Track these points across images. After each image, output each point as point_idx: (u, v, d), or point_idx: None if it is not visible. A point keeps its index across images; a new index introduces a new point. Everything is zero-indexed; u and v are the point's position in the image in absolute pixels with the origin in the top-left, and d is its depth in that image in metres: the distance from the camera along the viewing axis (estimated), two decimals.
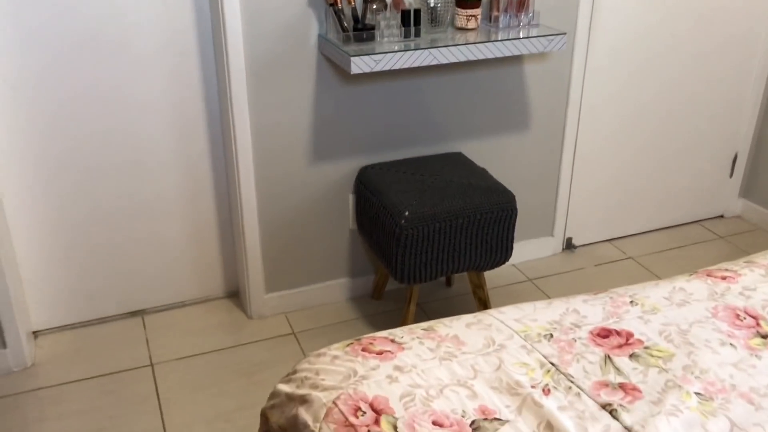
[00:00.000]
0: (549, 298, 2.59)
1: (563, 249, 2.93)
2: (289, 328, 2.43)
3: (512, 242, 2.25)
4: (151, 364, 2.25)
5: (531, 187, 2.73)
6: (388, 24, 2.13)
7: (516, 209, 2.20)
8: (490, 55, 2.14)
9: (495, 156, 2.61)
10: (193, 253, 2.49)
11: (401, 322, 2.33)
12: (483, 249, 2.21)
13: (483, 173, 2.32)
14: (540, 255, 2.88)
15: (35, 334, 2.37)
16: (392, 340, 1.31)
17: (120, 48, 2.13)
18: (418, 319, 2.45)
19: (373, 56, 1.99)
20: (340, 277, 2.58)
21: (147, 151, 2.29)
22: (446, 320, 1.39)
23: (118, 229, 2.36)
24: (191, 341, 2.36)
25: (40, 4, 2.01)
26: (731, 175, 3.13)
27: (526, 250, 2.81)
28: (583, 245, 2.97)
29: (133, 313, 2.49)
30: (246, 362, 2.26)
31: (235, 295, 2.61)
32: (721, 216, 3.21)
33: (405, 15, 2.12)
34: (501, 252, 2.25)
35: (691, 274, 1.55)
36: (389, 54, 2.01)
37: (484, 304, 2.39)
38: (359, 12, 2.12)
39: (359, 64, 1.98)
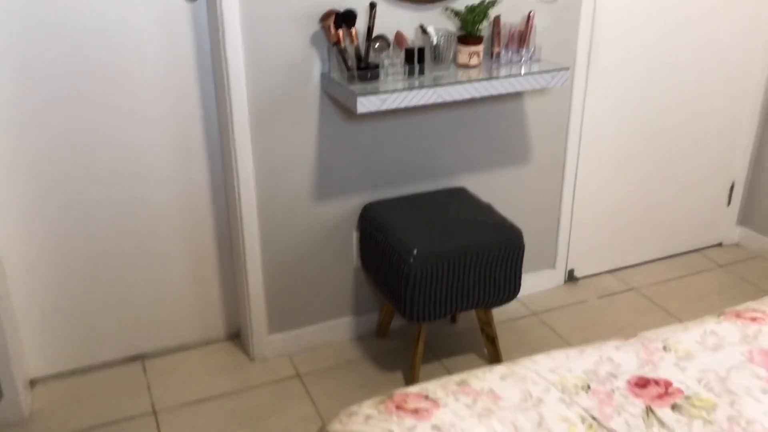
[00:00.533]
0: (555, 333, 2.57)
1: (565, 281, 2.91)
2: (294, 370, 2.38)
3: (520, 279, 2.23)
4: (154, 412, 2.19)
5: (533, 219, 2.72)
6: (392, 62, 2.12)
7: (524, 245, 2.19)
8: (494, 92, 2.13)
9: (497, 189, 2.60)
10: (193, 294, 2.44)
11: (411, 361, 2.29)
12: (491, 286, 2.19)
13: (488, 209, 2.31)
14: (542, 288, 2.86)
15: (32, 381, 2.30)
16: (426, 397, 1.27)
17: (119, 87, 2.10)
18: (426, 358, 2.42)
19: (379, 95, 1.98)
20: (344, 316, 2.53)
21: (147, 191, 2.25)
22: (479, 372, 1.35)
23: (116, 271, 2.31)
24: (193, 386, 2.30)
25: (36, 36, 1.98)
26: (729, 203, 3.14)
27: (528, 283, 2.79)
28: (585, 277, 2.95)
29: (133, 358, 2.42)
30: (252, 407, 2.20)
31: (236, 336, 2.56)
32: (720, 244, 3.22)
33: (409, 53, 2.11)
34: (509, 289, 2.22)
35: (719, 316, 1.53)
36: (395, 93, 2.00)
37: (492, 341, 2.36)
38: (362, 51, 2.11)
39: (366, 104, 1.97)
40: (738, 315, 1.51)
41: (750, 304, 1.58)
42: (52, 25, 1.97)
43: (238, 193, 2.21)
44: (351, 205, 2.39)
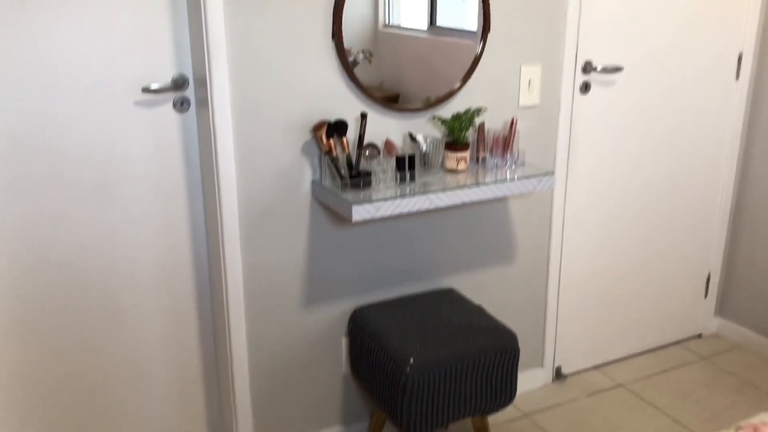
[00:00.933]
0: None
1: (553, 379, 2.89)
2: None
3: (516, 383, 2.20)
4: None
5: (521, 317, 2.72)
6: (383, 169, 2.14)
7: (519, 349, 2.17)
8: (483, 198, 2.16)
9: (485, 289, 2.60)
10: (176, 404, 2.34)
11: None
12: (488, 392, 2.15)
13: (480, 311, 2.30)
14: (531, 387, 2.83)
15: None
16: None
17: (105, 194, 2.07)
18: None
19: (373, 203, 1.99)
20: (333, 425, 2.45)
21: (132, 299, 2.19)
22: None
23: (97, 378, 2.20)
24: None
25: (20, 151, 1.95)
26: (706, 295, 3.20)
27: (518, 383, 2.75)
28: (572, 373, 2.93)
29: None
30: None
31: None
32: (700, 335, 3.25)
33: (399, 161, 2.14)
34: (506, 394, 2.19)
35: (736, 430, 1.52)
36: (389, 200, 2.01)
37: None
38: (353, 158, 2.13)
39: (361, 212, 1.97)
40: (756, 429, 1.50)
41: (763, 416, 1.57)
42: (38, 140, 1.95)
43: (226, 301, 2.16)
44: (340, 309, 2.35)
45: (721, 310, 3.24)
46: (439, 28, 2.32)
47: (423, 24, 2.31)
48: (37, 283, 2.05)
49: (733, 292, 3.18)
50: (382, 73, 2.23)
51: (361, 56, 2.18)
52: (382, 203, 2.01)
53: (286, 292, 2.25)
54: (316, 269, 2.27)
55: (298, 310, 2.28)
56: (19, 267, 2.01)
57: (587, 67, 2.54)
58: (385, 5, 2.20)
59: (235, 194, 2.08)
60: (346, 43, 2.10)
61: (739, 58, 2.89)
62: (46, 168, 1.98)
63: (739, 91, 2.92)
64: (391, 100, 2.23)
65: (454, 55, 2.33)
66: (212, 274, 2.25)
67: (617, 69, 2.59)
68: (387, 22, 2.22)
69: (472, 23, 2.29)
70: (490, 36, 2.30)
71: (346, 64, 2.12)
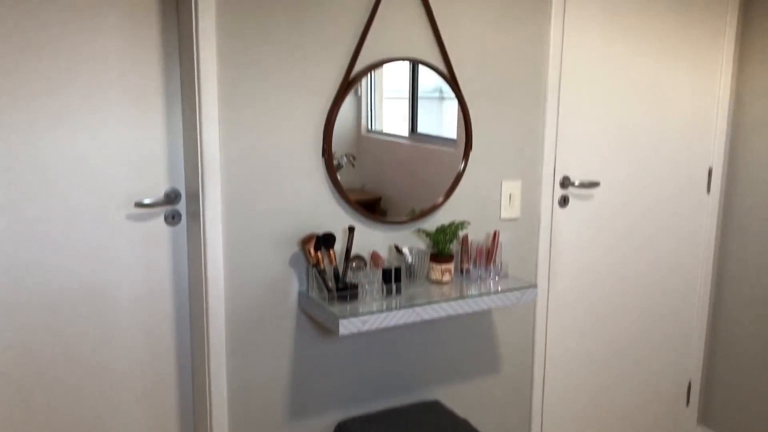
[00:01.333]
0: None
1: None
2: None
3: None
4: None
5: (505, 429, 2.69)
6: (369, 281, 2.18)
7: None
8: (468, 310, 2.20)
9: (471, 400, 2.59)
10: None
11: None
12: None
13: (465, 425, 2.28)
14: None
15: None
16: None
17: (93, 305, 2.07)
18: None
19: (360, 317, 2.01)
20: None
21: (113, 410, 2.14)
22: None
23: None
24: None
25: (14, 254, 1.96)
26: (687, 403, 3.20)
27: None
28: None
29: None
30: None
31: None
32: None
33: (386, 273, 2.18)
34: None
35: None
36: (375, 314, 2.04)
37: None
38: (340, 270, 2.17)
39: (348, 326, 1.99)
40: None
41: None
42: (29, 249, 1.97)
43: (210, 415, 2.13)
44: (325, 422, 2.32)
45: (704, 418, 3.24)
46: (420, 135, 2.41)
47: (404, 130, 2.40)
48: (26, 398, 2.01)
49: (714, 400, 3.19)
50: (365, 176, 2.30)
51: (344, 160, 2.26)
52: (369, 316, 2.03)
53: (272, 405, 2.23)
54: (301, 381, 2.26)
55: (283, 423, 2.25)
56: (4, 380, 1.98)
57: (565, 182, 2.65)
58: (367, 111, 2.30)
59: (222, 306, 2.09)
60: None
61: (710, 173, 3.02)
62: (35, 277, 1.98)
63: (711, 204, 3.04)
64: (373, 203, 2.29)
65: (435, 162, 2.42)
66: (196, 388, 2.23)
67: (594, 184, 2.69)
68: (369, 127, 2.31)
69: (452, 131, 2.39)
70: (472, 153, 2.40)
71: (335, 180, 2.19)
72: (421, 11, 2.24)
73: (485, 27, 2.36)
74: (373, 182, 2.32)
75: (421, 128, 2.41)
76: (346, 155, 2.25)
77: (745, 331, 3.03)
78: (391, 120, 2.36)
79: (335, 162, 2.21)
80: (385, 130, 2.35)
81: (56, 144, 1.96)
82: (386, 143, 2.37)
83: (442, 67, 2.30)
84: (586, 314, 2.84)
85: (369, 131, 2.31)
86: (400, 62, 2.23)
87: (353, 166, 2.27)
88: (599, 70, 2.65)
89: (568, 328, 2.80)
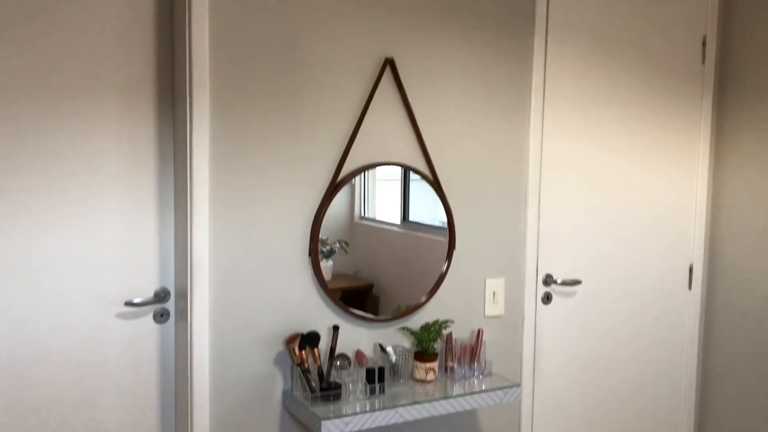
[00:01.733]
0: None
1: None
2: None
3: None
4: None
5: None
6: (353, 380, 2.20)
7: None
8: (452, 411, 2.21)
9: None
10: None
11: None
12: None
13: None
14: None
15: None
16: None
17: (80, 400, 2.08)
18: None
19: (342, 418, 2.02)
20: None
21: None
22: None
23: None
24: None
25: (1, 346, 1.98)
26: None
27: None
28: None
29: None
30: None
31: None
32: None
33: (369, 373, 2.20)
34: None
35: None
36: (358, 415, 2.05)
37: None
38: (324, 369, 2.19)
39: (330, 428, 2.00)
40: None
41: None
42: (18, 344, 2.00)
43: None
44: None
45: None
46: (411, 222, 2.48)
47: (396, 218, 2.47)
48: None
49: None
50: (357, 262, 2.36)
51: (337, 246, 2.31)
52: (352, 418, 2.04)
53: None
54: None
55: None
56: None
57: (548, 280, 2.71)
58: (361, 199, 2.37)
59: (207, 405, 2.10)
60: (323, 233, 2.24)
61: (690, 269, 3.08)
62: (22, 370, 2.00)
63: (693, 300, 3.09)
64: (365, 289, 2.33)
65: (425, 249, 2.49)
66: None
67: (576, 282, 2.75)
68: (362, 214, 2.39)
69: (442, 217, 2.46)
70: (455, 252, 2.47)
71: (321, 279, 2.24)
72: (404, 118, 2.35)
73: (467, 130, 2.48)
74: (366, 268, 2.37)
75: (413, 215, 2.48)
76: (339, 241, 2.31)
77: (731, 428, 3.02)
78: (384, 207, 2.43)
79: (327, 248, 2.27)
80: (377, 218, 2.42)
81: (51, 248, 2.01)
82: (378, 230, 2.44)
83: (425, 170, 2.40)
84: (572, 411, 2.83)
85: (362, 218, 2.38)
86: (385, 167, 2.33)
87: (346, 252, 2.33)
88: (579, 170, 2.75)
89: (554, 426, 2.79)
